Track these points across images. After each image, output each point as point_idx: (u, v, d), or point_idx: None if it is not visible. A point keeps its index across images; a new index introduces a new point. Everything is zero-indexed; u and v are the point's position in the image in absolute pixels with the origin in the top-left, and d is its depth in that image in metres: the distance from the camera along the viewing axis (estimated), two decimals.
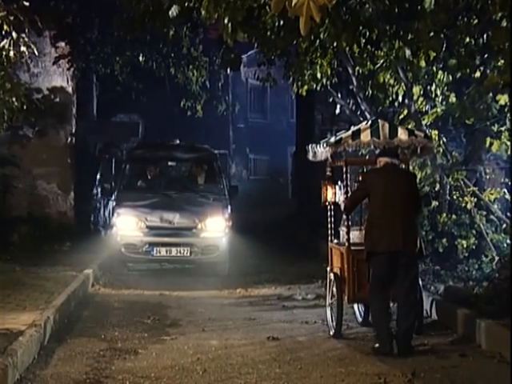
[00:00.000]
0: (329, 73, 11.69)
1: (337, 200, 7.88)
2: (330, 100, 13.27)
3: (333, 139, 7.68)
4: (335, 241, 8.10)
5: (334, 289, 7.72)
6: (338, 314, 7.58)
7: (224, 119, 25.84)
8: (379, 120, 7.69)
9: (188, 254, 11.76)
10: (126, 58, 17.21)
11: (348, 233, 7.61)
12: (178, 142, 13.56)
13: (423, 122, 10.93)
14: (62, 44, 15.55)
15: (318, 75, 11.65)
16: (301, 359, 6.68)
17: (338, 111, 13.46)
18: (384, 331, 6.90)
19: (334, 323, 7.66)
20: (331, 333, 7.66)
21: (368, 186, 7.17)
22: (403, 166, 7.66)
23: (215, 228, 11.90)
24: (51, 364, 6.48)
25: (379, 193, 7.04)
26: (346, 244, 7.61)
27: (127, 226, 11.85)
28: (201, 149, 13.71)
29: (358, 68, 11.47)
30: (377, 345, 6.94)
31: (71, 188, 15.47)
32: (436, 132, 10.98)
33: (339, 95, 13.14)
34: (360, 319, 8.21)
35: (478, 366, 6.51)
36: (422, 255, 7.26)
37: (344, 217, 7.75)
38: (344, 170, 7.75)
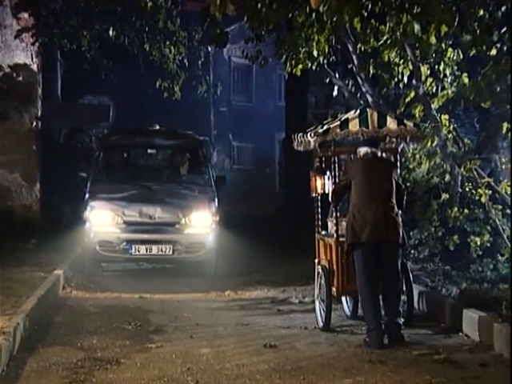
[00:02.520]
0: (326, 50, 11.67)
1: (326, 191, 8.50)
2: (327, 81, 13.26)
3: (320, 129, 8.21)
4: (323, 232, 8.77)
5: (322, 281, 8.37)
6: (327, 307, 8.18)
7: (204, 102, 25.76)
8: (368, 109, 8.24)
9: (170, 252, 11.76)
10: (95, 32, 17.06)
11: (336, 224, 8.24)
12: (157, 127, 13.51)
13: (432, 106, 10.97)
14: (25, 15, 15.37)
15: (315, 53, 11.63)
16: (303, 369, 6.69)
17: (335, 93, 13.44)
18: (374, 324, 7.48)
19: (323, 316, 8.26)
20: (320, 326, 8.31)
21: (349, 177, 7.83)
22: (385, 155, 8.33)
23: (201, 223, 11.91)
24: (23, 376, 6.44)
25: (360, 183, 7.71)
26: (335, 235, 8.26)
27: (102, 221, 11.82)
28: (184, 135, 13.68)
29: (359, 45, 11.46)
30: (370, 341, 7.46)
31: (37, 178, 15.35)
32: (446, 117, 11.03)
33: (337, 75, 13.14)
34: (348, 312, 8.86)
35: (501, 377, 6.52)
36: (404, 244, 7.94)
37: (332, 208, 8.39)
38: (332, 160, 8.43)
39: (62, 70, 21.71)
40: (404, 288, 8.12)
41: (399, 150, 8.57)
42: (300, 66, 12.05)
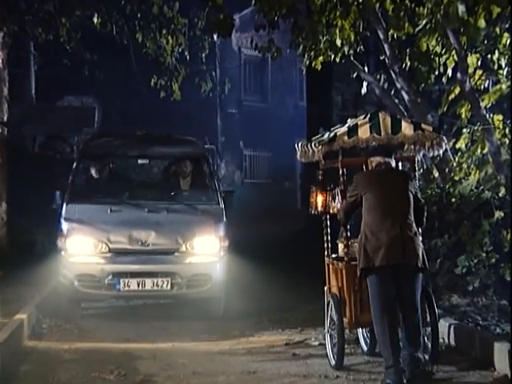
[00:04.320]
0: (352, 39, 11.69)
1: (328, 209, 9.00)
2: (354, 75, 13.28)
3: (326, 137, 8.59)
4: (332, 256, 9.12)
5: (333, 312, 8.69)
6: (339, 341, 8.48)
7: (210, 103, 25.93)
8: (380, 113, 8.58)
9: (168, 287, 11.42)
10: (76, 20, 17.17)
11: (347, 246, 8.62)
12: (149, 132, 13.42)
13: (482, 104, 10.92)
14: None
15: (338, 42, 11.67)
16: None
17: (364, 90, 13.47)
18: (392, 360, 7.72)
19: (335, 353, 8.58)
20: (332, 364, 8.63)
21: (359, 192, 8.17)
22: (400, 166, 8.83)
23: (206, 250, 11.67)
24: None
25: (372, 198, 8.06)
26: (346, 259, 8.63)
27: (82, 249, 11.53)
28: (183, 141, 13.48)
29: (392, 32, 11.47)
30: (388, 381, 7.70)
31: (3, 197, 15.38)
32: (500, 117, 10.99)
33: (366, 69, 13.15)
34: (365, 348, 9.17)
35: None
36: (425, 268, 8.18)
37: (342, 228, 8.77)
38: (340, 172, 8.80)
39: (36, 66, 21.83)
40: (428, 319, 8.38)
41: (417, 159, 8.92)
42: (320, 58, 12.12)
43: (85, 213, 11.86)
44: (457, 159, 11.84)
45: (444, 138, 8.87)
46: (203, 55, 19.87)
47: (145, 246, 11.58)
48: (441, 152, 9.01)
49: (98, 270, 11.45)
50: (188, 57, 18.73)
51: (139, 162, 14.42)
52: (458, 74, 11.04)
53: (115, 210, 11.89)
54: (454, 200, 11.27)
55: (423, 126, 8.63)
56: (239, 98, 30.51)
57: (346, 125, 8.71)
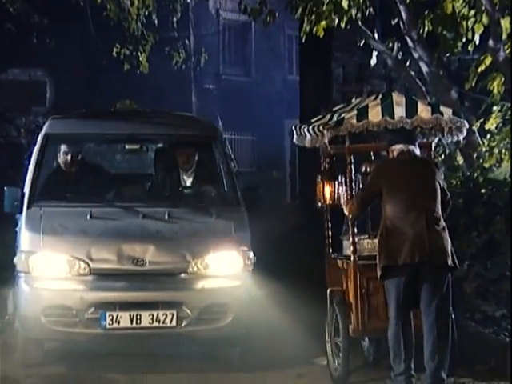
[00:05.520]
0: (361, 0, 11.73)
1: (336, 200, 9.33)
2: (361, 44, 13.27)
3: (329, 118, 8.87)
4: (335, 254, 9.58)
5: (338, 318, 9.06)
6: (344, 351, 8.90)
7: (182, 76, 25.90)
8: (393, 93, 8.90)
9: (173, 322, 9.85)
10: None
11: (354, 243, 8.91)
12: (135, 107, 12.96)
13: None
14: None
15: (345, 4, 11.66)
16: None
17: (373, 61, 13.48)
18: (403, 367, 8.13)
19: (339, 364, 9.03)
20: (334, 375, 9.11)
21: (380, 182, 8.50)
22: (424, 154, 9.05)
23: (224, 271, 10.19)
24: None
25: (394, 190, 8.37)
26: (352, 258, 8.89)
27: (52, 271, 9.98)
28: (187, 119, 12.42)
29: None
30: None
31: None
32: None
33: (376, 36, 13.16)
34: (371, 358, 9.66)
35: None
36: (456, 268, 8.50)
37: (348, 222, 9.09)
38: (347, 160, 9.07)
39: None
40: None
41: (433, 145, 9.24)
42: (323, 23, 12.05)
43: (55, 219, 10.33)
44: (486, 143, 11.88)
45: (465, 122, 8.99)
46: (175, 20, 19.88)
47: (140, 265, 10.01)
48: (461, 138, 9.15)
49: (75, 299, 9.85)
50: (157, 22, 18.69)
51: (127, 147, 12.47)
52: (490, 41, 11.06)
53: (97, 215, 10.34)
54: (483, 191, 11.32)
55: (442, 108, 8.80)
56: (217, 71, 30.48)
57: (351, 105, 8.94)
